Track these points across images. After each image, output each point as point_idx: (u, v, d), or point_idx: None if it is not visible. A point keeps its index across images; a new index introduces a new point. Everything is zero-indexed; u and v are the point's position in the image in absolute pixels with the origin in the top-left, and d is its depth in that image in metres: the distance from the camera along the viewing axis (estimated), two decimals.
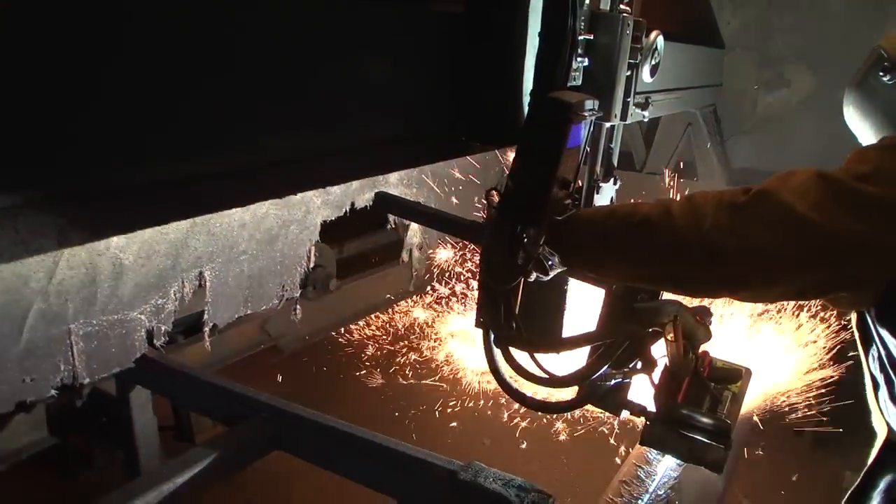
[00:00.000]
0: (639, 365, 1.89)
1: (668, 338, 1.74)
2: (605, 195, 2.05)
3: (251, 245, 3.40)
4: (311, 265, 4.37)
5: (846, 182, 1.33)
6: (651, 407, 1.88)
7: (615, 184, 2.08)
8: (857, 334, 1.79)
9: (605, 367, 1.85)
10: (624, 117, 1.93)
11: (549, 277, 1.75)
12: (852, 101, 1.75)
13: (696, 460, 1.85)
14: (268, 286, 3.57)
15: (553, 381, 1.92)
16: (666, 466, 3.02)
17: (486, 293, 1.81)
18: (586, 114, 1.67)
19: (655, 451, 3.16)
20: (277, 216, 3.50)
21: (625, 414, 1.95)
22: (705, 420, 1.87)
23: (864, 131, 1.74)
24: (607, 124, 1.96)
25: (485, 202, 1.82)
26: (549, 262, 1.75)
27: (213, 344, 4.28)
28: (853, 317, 1.79)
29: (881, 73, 1.64)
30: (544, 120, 1.63)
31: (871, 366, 1.75)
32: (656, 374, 1.89)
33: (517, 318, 1.89)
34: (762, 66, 5.98)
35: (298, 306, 3.84)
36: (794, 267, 1.40)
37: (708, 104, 5.17)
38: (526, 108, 1.77)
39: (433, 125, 1.83)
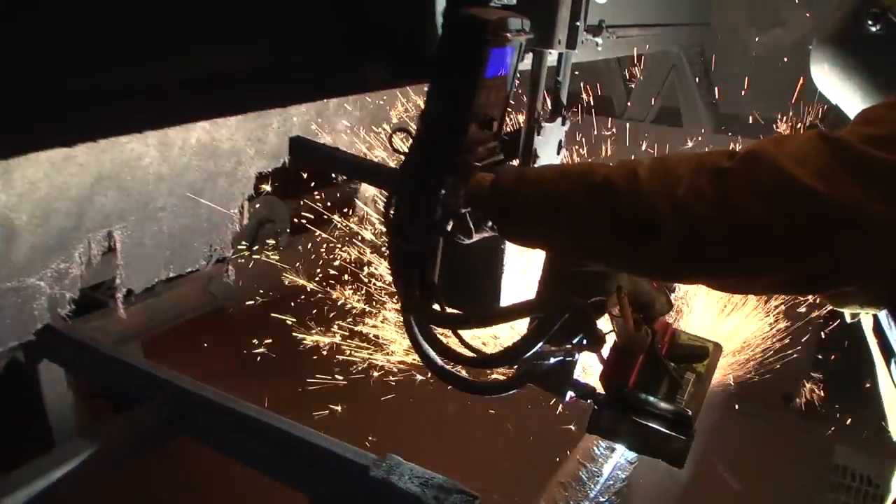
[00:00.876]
0: (585, 340, 1.63)
1: (613, 312, 1.60)
2: (550, 138, 1.70)
3: (171, 200, 3.09)
4: (253, 221, 4.10)
5: (856, 147, 1.10)
6: (601, 389, 1.68)
7: (564, 124, 1.72)
8: (873, 341, 1.56)
9: (539, 343, 1.60)
10: (572, 44, 1.56)
11: (472, 241, 1.38)
12: (828, 58, 1.37)
13: (652, 452, 1.68)
14: (193, 246, 3.26)
15: (480, 361, 1.67)
16: (614, 465, 2.72)
17: (396, 256, 1.48)
18: (510, 35, 1.40)
19: (605, 446, 2.86)
20: (202, 168, 3.17)
21: (568, 398, 1.75)
22: (662, 406, 1.67)
23: (846, 91, 1.47)
24: (551, 53, 1.59)
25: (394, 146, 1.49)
26: (476, 223, 1.55)
27: (150, 307, 3.97)
28: (866, 321, 1.55)
29: (869, 22, 1.35)
30: (456, 42, 1.36)
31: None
32: (607, 352, 1.69)
33: (436, 287, 1.65)
34: (754, 4, 5.53)
35: (231, 267, 3.51)
36: (791, 247, 1.05)
37: (694, 45, 4.76)
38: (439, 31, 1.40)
39: (329, 49, 1.47)
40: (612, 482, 2.58)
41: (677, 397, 1.81)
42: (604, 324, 1.78)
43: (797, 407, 4.52)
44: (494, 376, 2.14)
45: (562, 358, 1.70)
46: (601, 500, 2.46)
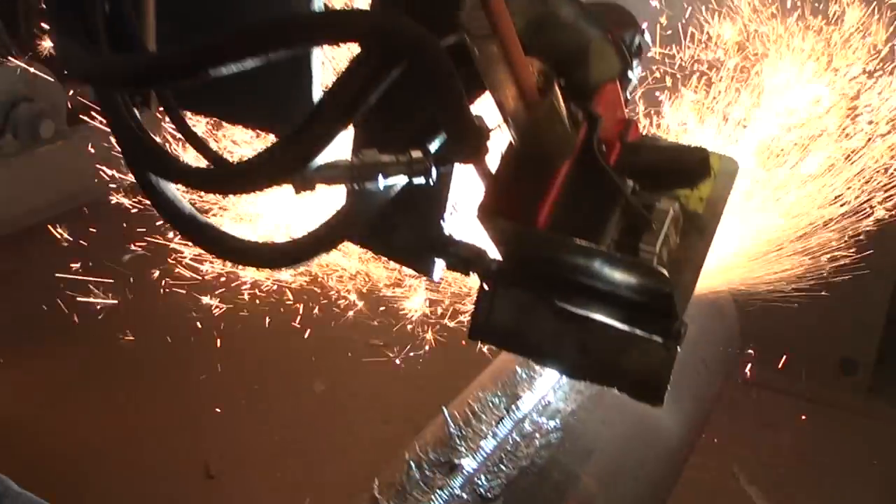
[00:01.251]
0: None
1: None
2: None
3: None
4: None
5: None
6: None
7: None
8: None
9: (333, 131, 1.10)
10: None
11: None
12: None
13: (598, 373, 1.32)
14: None
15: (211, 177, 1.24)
16: (533, 404, 1.97)
17: None
18: None
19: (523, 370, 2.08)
20: None
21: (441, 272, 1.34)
22: (610, 272, 1.16)
23: None
24: None
25: None
26: None
27: None
28: None
29: None
30: None
31: None
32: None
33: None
34: None
35: None
36: None
37: None
38: None
39: None
40: (495, 459, 1.80)
41: (642, 249, 1.18)
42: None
43: (861, 381, 4.11)
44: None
45: (403, 178, 1.20)
46: (501, 471, 1.76)
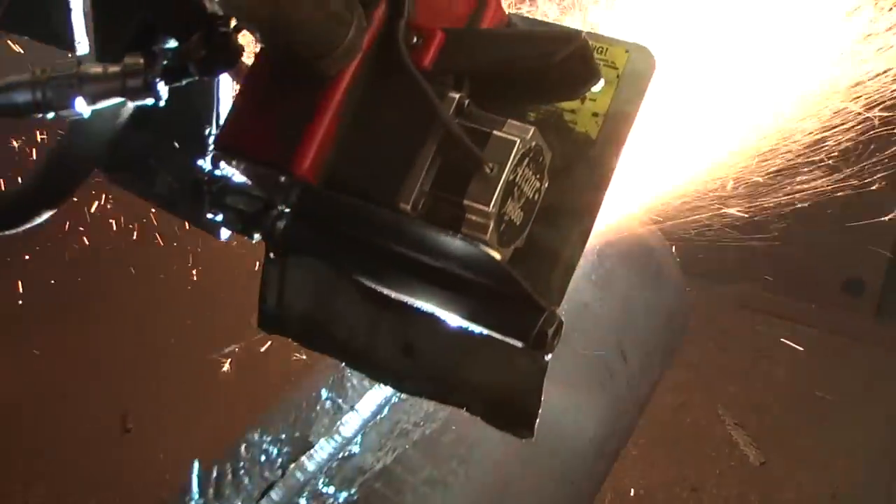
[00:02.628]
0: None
1: None
2: None
3: None
4: None
5: None
6: None
7: None
8: None
9: None
10: None
11: None
12: None
13: (436, 385, 0.92)
14: None
15: None
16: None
17: None
18: None
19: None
20: None
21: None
22: (433, 239, 0.77)
23: None
24: None
25: None
26: None
27: None
28: None
29: None
30: None
31: None
32: None
33: None
34: None
35: None
36: None
37: None
38: None
39: None
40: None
41: (468, 208, 0.76)
42: None
43: (868, 301, 3.71)
44: None
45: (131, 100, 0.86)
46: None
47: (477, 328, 0.82)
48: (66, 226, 3.38)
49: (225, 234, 0.99)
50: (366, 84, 0.74)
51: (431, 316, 0.84)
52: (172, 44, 0.81)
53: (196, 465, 1.63)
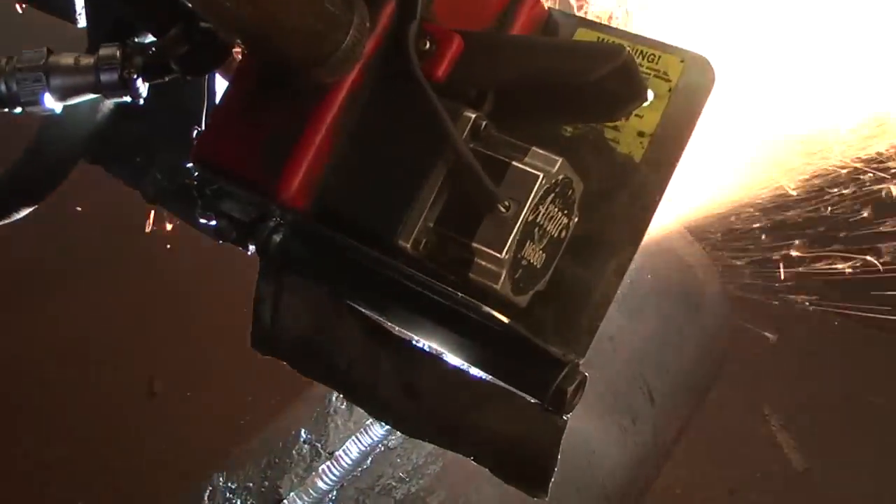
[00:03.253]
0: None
1: None
2: None
3: None
4: None
5: None
6: None
7: None
8: None
9: None
10: None
11: None
12: None
13: (440, 430, 0.80)
14: None
15: None
16: None
17: None
18: None
19: None
20: None
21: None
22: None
23: None
24: None
25: None
26: None
27: None
28: None
29: None
30: None
31: None
32: None
33: None
34: None
35: None
36: None
37: None
38: None
39: None
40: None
41: (477, 251, 0.63)
42: None
43: None
44: None
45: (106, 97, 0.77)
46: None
47: (483, 374, 0.72)
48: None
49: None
50: (367, 96, 0.63)
51: (437, 356, 0.74)
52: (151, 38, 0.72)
53: None
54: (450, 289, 0.62)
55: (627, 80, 0.64)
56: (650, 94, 0.69)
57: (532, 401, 0.70)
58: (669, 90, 0.74)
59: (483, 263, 0.61)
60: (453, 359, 0.73)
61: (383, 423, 1.04)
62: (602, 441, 1.64)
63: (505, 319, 0.60)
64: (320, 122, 0.62)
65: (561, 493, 1.51)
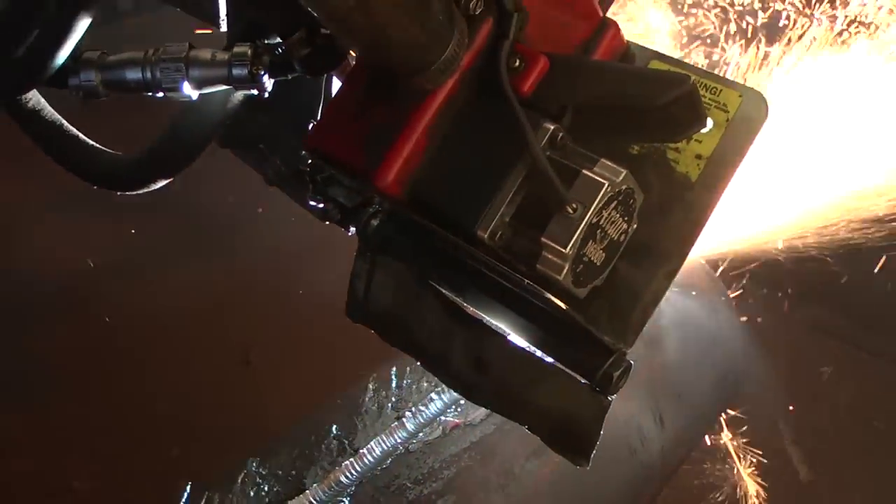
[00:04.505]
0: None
1: None
2: None
3: None
4: None
5: None
6: None
7: None
8: None
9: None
10: None
11: None
12: None
13: (502, 400, 0.80)
14: None
15: None
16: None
17: None
18: None
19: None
20: None
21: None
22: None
23: None
24: None
25: None
26: None
27: None
28: None
29: None
30: None
31: None
32: None
33: None
34: None
35: None
36: None
37: None
38: None
39: None
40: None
41: (545, 245, 0.63)
42: None
43: None
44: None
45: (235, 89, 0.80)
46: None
47: (544, 356, 0.72)
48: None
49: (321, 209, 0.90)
50: (461, 103, 0.64)
51: (504, 336, 0.74)
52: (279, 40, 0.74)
53: (188, 489, 1.47)
54: (518, 276, 0.62)
55: (690, 108, 0.64)
56: (709, 122, 0.68)
57: (583, 382, 0.70)
58: (727, 120, 0.73)
59: (549, 256, 0.61)
60: (517, 339, 0.74)
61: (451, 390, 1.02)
62: (611, 458, 1.61)
63: (563, 306, 0.60)
64: (418, 123, 0.63)
65: (566, 487, 1.49)
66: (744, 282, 2.78)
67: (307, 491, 1.40)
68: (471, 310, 0.76)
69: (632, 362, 0.68)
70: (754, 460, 2.95)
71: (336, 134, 0.66)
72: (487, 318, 0.75)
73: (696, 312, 1.82)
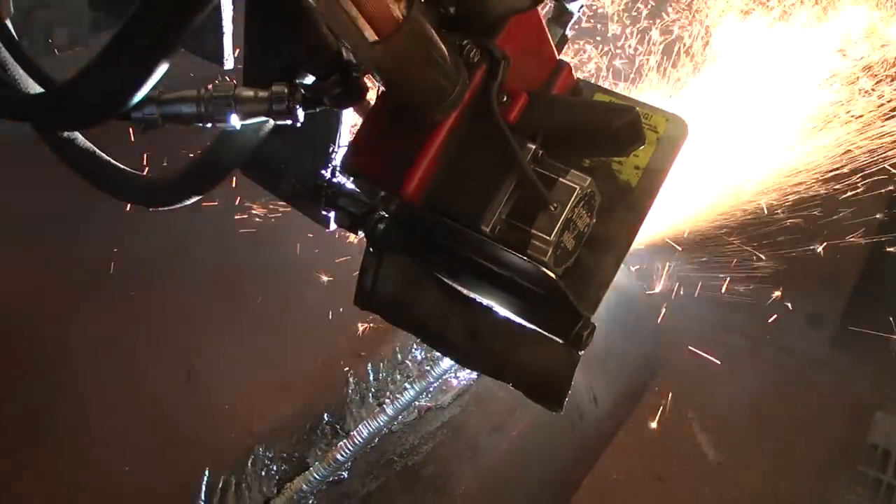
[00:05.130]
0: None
1: None
2: None
3: None
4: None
5: None
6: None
7: None
8: None
9: (160, 50, 0.75)
10: None
11: None
12: None
13: (491, 364, 0.99)
14: None
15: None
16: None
17: None
18: None
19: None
20: None
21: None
22: (502, 257, 0.85)
23: None
24: None
25: None
26: None
27: None
28: None
29: None
30: None
31: None
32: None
33: None
34: None
35: None
36: None
37: None
38: None
39: None
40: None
41: (534, 235, 0.83)
42: None
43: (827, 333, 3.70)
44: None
45: (273, 120, 0.90)
46: None
47: (528, 324, 0.91)
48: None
49: (332, 226, 1.05)
50: (463, 129, 0.82)
51: (493, 310, 0.93)
52: (310, 79, 0.90)
53: (206, 474, 1.69)
54: (514, 258, 0.81)
55: (634, 131, 0.84)
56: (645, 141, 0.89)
57: (558, 341, 0.89)
58: (657, 139, 0.94)
59: (537, 243, 0.80)
60: (504, 311, 0.92)
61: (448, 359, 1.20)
62: (556, 431, 1.89)
63: (553, 275, 0.79)
64: (431, 146, 0.80)
65: (518, 480, 1.72)
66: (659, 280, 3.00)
67: (310, 468, 1.61)
68: (464, 291, 0.94)
69: (595, 324, 0.88)
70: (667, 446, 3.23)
71: (368, 157, 0.83)
72: (478, 297, 0.93)
73: (622, 311, 2.07)
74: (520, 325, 0.91)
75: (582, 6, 1.00)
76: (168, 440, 3.10)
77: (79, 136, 1.07)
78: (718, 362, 3.42)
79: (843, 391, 3.49)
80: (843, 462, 3.23)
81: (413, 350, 1.72)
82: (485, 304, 0.92)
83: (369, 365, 1.70)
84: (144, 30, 0.73)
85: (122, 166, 1.07)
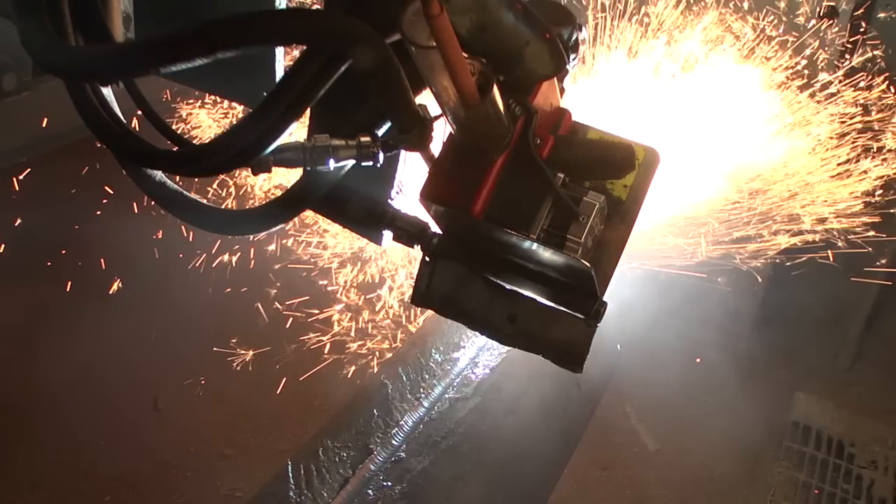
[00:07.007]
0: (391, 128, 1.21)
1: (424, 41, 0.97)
2: None
3: None
4: None
5: None
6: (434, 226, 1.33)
7: None
8: None
9: (289, 119, 1.10)
10: None
11: None
12: None
13: (526, 343, 1.33)
14: None
15: (187, 156, 1.20)
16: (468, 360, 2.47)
17: None
18: None
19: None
20: None
21: (388, 241, 1.40)
22: (541, 255, 1.19)
23: None
24: None
25: None
26: None
27: None
28: None
29: None
30: None
31: None
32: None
33: None
34: None
35: None
36: None
37: None
38: None
39: None
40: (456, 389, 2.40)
41: (569, 239, 1.19)
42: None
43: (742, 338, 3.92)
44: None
45: (359, 162, 1.23)
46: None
47: (556, 307, 1.27)
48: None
49: (386, 242, 1.39)
50: (510, 164, 1.17)
51: (529, 298, 1.29)
52: (385, 125, 1.21)
53: (290, 463, 2.11)
54: (555, 256, 1.17)
55: (630, 160, 1.22)
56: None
57: (579, 318, 1.26)
58: (638, 164, 1.33)
59: (571, 245, 1.15)
60: (537, 298, 1.28)
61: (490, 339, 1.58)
62: (551, 411, 2.55)
63: (587, 265, 1.14)
64: (490, 177, 1.14)
65: (533, 432, 2.22)
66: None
67: (374, 452, 2.16)
68: (505, 285, 1.30)
69: (607, 302, 1.26)
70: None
71: (443, 188, 1.15)
72: (516, 289, 1.30)
73: None
74: (550, 308, 1.27)
75: (575, 65, 1.38)
76: None
77: (167, 180, 1.36)
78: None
79: (766, 377, 3.99)
80: (770, 440, 3.67)
81: (433, 354, 2.15)
82: (522, 293, 1.29)
83: (399, 369, 2.12)
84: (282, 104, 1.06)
85: (206, 203, 1.38)
